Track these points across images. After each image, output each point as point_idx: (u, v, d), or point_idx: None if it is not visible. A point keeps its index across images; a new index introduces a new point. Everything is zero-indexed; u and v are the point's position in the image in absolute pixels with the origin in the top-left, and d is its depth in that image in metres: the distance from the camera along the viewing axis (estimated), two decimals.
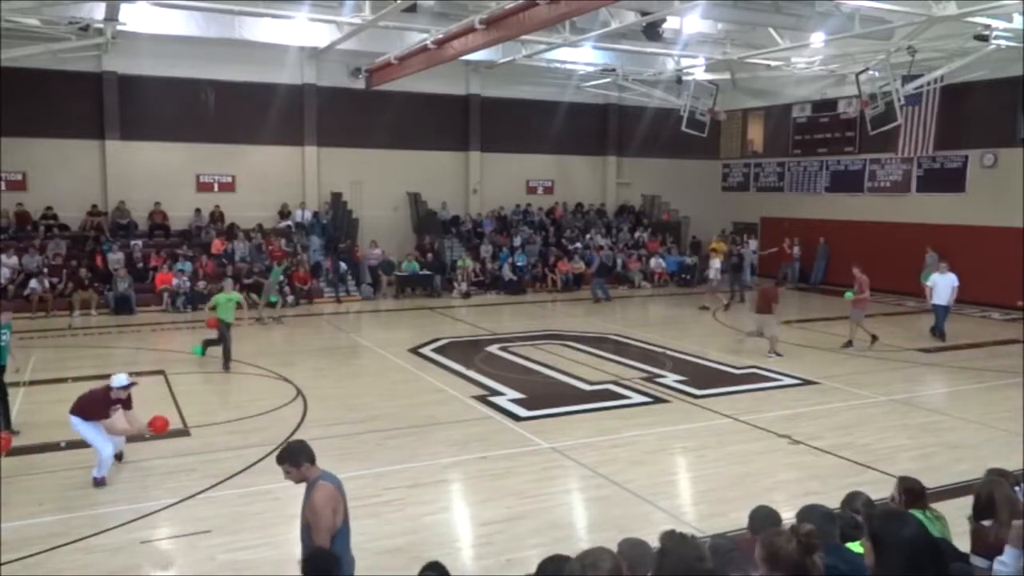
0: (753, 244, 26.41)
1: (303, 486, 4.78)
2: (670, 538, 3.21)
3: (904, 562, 3.35)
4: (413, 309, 20.56)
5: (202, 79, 22.44)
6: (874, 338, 15.26)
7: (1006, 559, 3.89)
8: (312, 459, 4.81)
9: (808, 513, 4.10)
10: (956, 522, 4.81)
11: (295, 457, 4.80)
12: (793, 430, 9.96)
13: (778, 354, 14.39)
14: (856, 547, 4.02)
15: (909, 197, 23.38)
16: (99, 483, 7.99)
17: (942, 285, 15.81)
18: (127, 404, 8.37)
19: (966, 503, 4.77)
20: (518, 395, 11.74)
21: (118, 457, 8.52)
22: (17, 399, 10.70)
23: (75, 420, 8.20)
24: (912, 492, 4.76)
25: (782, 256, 25.88)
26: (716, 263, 21.46)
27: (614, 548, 3.43)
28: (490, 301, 22.05)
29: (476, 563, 6.49)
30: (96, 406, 8.19)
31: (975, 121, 21.42)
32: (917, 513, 4.53)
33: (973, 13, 15.70)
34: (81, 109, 21.51)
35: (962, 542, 4.64)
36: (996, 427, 10.19)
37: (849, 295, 15.32)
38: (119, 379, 8.31)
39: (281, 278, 20.00)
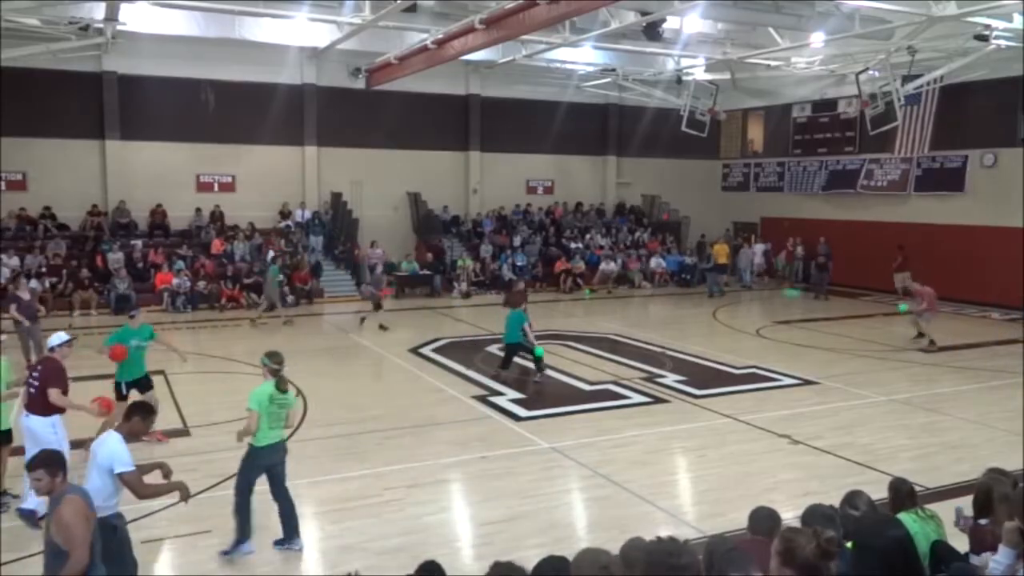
0: (759, 247, 26.38)
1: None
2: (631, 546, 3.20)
3: (880, 567, 3.35)
4: (413, 309, 20.56)
5: (202, 79, 22.46)
6: (932, 343, 15.20)
7: (1000, 558, 3.91)
8: (65, 472, 4.40)
9: (810, 513, 4.11)
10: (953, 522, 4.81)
11: (52, 465, 4.37)
12: (793, 430, 9.97)
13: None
14: None
15: (909, 197, 23.36)
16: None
17: None
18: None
19: (965, 504, 4.78)
20: (518, 395, 11.74)
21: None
22: (16, 400, 10.67)
23: (42, 423, 7.41)
24: (900, 492, 4.77)
25: (786, 257, 25.94)
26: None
27: (612, 549, 3.43)
28: (490, 301, 22.02)
29: (476, 563, 6.48)
30: (61, 376, 7.50)
31: (975, 121, 21.40)
32: (909, 513, 4.55)
33: (973, 13, 15.71)
34: (81, 109, 21.53)
35: (958, 542, 4.64)
36: (996, 427, 10.19)
37: (903, 308, 15.61)
38: (59, 336, 7.97)
39: (280, 277, 19.20)
